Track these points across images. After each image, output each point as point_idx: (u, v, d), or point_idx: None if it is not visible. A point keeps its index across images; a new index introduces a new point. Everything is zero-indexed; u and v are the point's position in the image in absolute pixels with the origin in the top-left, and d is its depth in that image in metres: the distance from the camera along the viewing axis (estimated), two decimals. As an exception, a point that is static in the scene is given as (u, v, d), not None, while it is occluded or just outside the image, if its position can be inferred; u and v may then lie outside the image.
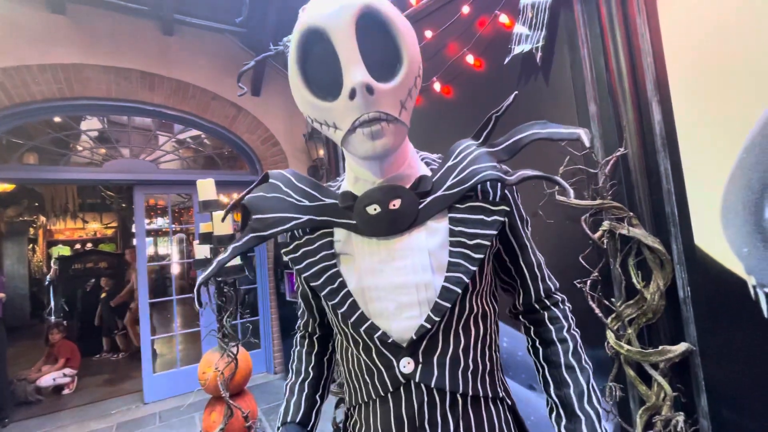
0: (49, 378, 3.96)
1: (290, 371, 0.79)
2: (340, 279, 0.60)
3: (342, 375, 0.70)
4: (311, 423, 0.73)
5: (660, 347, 1.14)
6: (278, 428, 0.71)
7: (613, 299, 1.27)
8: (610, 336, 1.23)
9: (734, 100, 1.02)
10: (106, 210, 8.84)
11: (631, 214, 1.22)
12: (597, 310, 1.24)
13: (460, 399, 0.60)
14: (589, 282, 1.28)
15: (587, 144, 0.58)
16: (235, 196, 4.13)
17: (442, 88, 1.77)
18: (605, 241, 1.26)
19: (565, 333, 0.67)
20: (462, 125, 1.68)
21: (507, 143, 0.64)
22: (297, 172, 0.68)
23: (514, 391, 1.73)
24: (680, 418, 1.12)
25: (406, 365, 0.58)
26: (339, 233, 0.63)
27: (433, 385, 0.58)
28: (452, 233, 0.60)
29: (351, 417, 0.70)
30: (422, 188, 0.61)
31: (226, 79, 3.92)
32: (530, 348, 0.72)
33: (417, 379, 0.58)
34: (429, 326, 0.57)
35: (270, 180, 0.66)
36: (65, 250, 8.19)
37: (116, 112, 3.64)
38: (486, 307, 0.65)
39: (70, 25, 3.27)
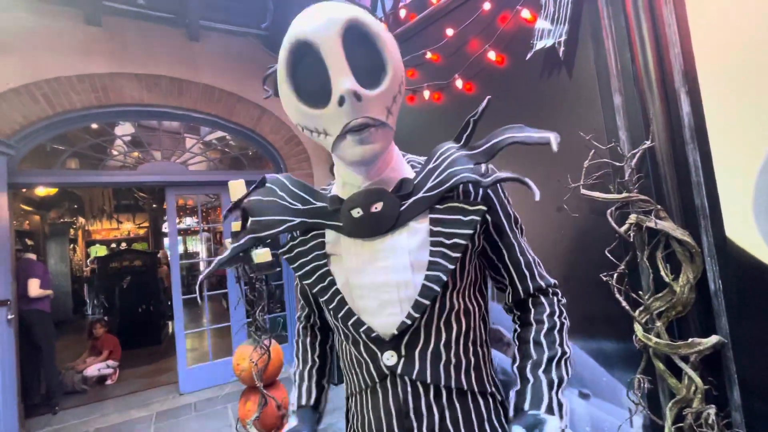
0: (94, 369, 4.22)
1: (297, 360, 0.83)
2: (330, 277, 0.65)
3: (342, 367, 0.75)
4: (322, 406, 0.79)
5: (689, 340, 1.14)
6: (293, 412, 0.76)
7: (641, 292, 1.26)
8: (638, 329, 1.23)
9: (766, 90, 1.00)
10: (139, 211, 9.25)
11: (659, 206, 1.22)
12: (624, 303, 1.24)
13: (444, 391, 0.63)
14: (615, 275, 1.28)
15: (555, 148, 0.59)
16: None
17: (464, 85, 1.79)
18: (632, 234, 1.26)
19: (544, 317, 0.67)
20: (485, 121, 1.69)
21: (485, 146, 0.65)
22: (291, 177, 0.72)
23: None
24: (711, 411, 1.11)
25: (390, 358, 0.62)
26: (329, 234, 0.67)
27: (414, 378, 0.61)
28: (432, 233, 0.62)
29: (350, 409, 0.75)
30: (404, 191, 0.64)
31: (250, 81, 4.04)
32: (512, 334, 0.73)
33: (399, 372, 0.62)
34: (409, 322, 0.61)
35: (267, 184, 0.70)
36: (102, 250, 8.64)
37: (148, 117, 3.81)
38: (469, 305, 0.66)
39: (105, 37, 3.45)
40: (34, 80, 3.15)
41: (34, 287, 3.53)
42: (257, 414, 1.94)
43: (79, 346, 5.06)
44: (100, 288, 6.04)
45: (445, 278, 0.61)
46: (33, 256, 3.79)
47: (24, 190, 5.75)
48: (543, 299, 0.70)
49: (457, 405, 0.64)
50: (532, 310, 0.69)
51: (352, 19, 0.54)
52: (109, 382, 4.31)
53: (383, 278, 0.62)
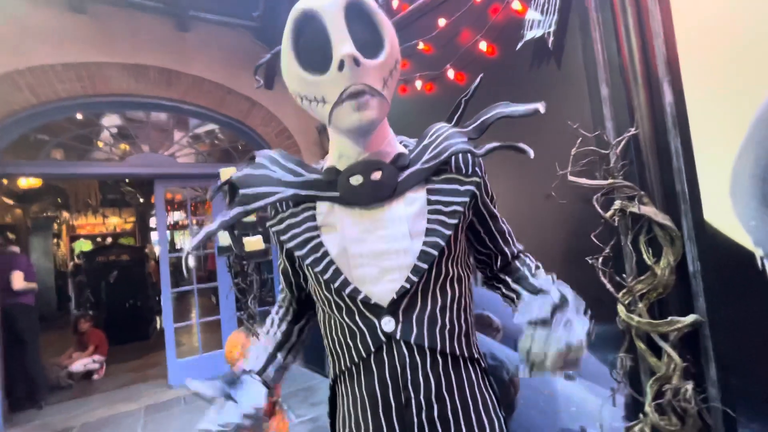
0: (80, 364, 4.16)
1: (261, 335, 0.83)
2: (324, 248, 0.65)
3: (326, 348, 0.73)
4: (269, 376, 0.76)
5: (669, 318, 1.19)
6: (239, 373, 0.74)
7: (624, 275, 1.31)
8: (621, 309, 1.28)
9: (744, 80, 1.05)
10: (125, 205, 9.10)
11: (642, 192, 1.26)
12: (608, 285, 1.29)
13: (440, 359, 0.64)
14: (600, 258, 1.33)
15: (542, 111, 0.65)
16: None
17: (456, 75, 1.82)
18: (617, 219, 1.31)
19: (533, 268, 0.78)
20: (476, 111, 1.73)
21: (475, 124, 0.70)
22: (284, 152, 0.73)
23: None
24: (689, 386, 1.16)
25: (388, 323, 0.63)
26: (322, 206, 0.67)
27: (412, 341, 0.62)
28: (429, 202, 0.65)
29: (336, 394, 0.73)
30: (400, 163, 0.67)
31: (241, 73, 4.00)
32: (502, 291, 0.79)
33: (398, 336, 0.63)
34: (408, 286, 0.63)
35: (257, 159, 0.71)
36: (86, 245, 8.48)
37: (136, 108, 3.76)
38: (461, 272, 0.70)
39: (91, 25, 3.38)
40: (16, 68, 3.08)
41: (18, 280, 3.46)
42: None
43: (63, 342, 4.97)
44: (85, 283, 5.93)
45: (442, 243, 0.63)
46: (17, 249, 3.71)
47: (5, 181, 5.61)
48: (525, 259, 0.79)
49: (452, 372, 0.65)
50: (521, 268, 0.78)
51: None
52: (95, 376, 4.26)
53: (383, 246, 0.64)
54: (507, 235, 0.78)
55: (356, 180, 0.64)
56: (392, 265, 0.64)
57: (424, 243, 0.64)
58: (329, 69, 0.57)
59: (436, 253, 0.63)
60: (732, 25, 1.07)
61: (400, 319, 0.63)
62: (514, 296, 0.76)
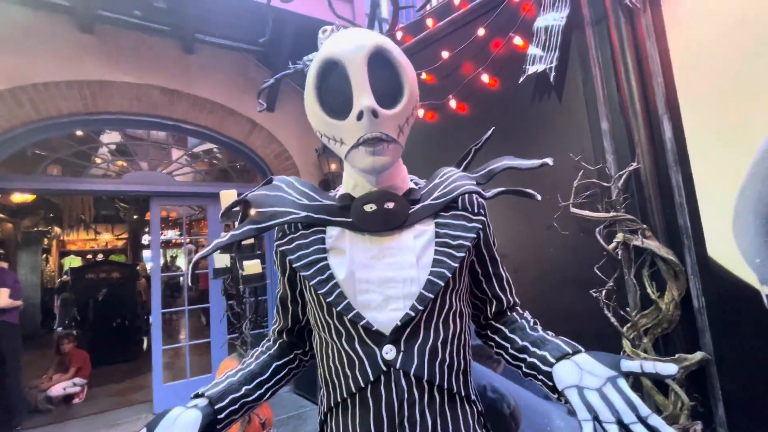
0: (59, 388, 3.99)
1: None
2: (330, 271, 0.65)
3: (320, 378, 0.71)
4: (222, 406, 0.68)
5: (676, 355, 1.17)
6: (191, 397, 0.69)
7: (628, 309, 1.30)
8: (626, 345, 1.26)
9: (743, 116, 1.08)
10: (119, 222, 9.00)
11: (644, 226, 1.27)
12: (612, 319, 1.27)
13: (437, 396, 0.63)
14: (604, 292, 1.32)
15: (551, 163, 0.71)
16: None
17: (458, 106, 1.85)
18: (619, 252, 1.30)
19: (526, 316, 0.76)
20: (476, 141, 1.74)
21: (483, 171, 0.75)
22: (299, 179, 0.74)
23: (528, 402, 1.72)
24: (698, 427, 1.13)
25: (389, 352, 0.62)
26: (332, 230, 0.68)
27: (412, 373, 0.61)
28: (438, 235, 0.67)
29: (326, 429, 0.69)
30: (411, 197, 0.69)
31: (243, 95, 4.06)
32: (503, 350, 0.74)
33: (398, 366, 0.61)
34: (413, 314, 0.62)
35: (274, 182, 0.73)
36: (76, 261, 8.32)
37: (137, 126, 3.77)
38: (463, 308, 0.71)
39: (97, 44, 3.44)
40: (20, 84, 3.10)
41: (3, 297, 3.36)
42: (241, 431, 1.87)
43: (45, 362, 4.78)
44: (73, 300, 5.78)
45: (449, 275, 0.64)
46: (5, 265, 3.62)
47: (-1, 196, 5.55)
48: (523, 313, 0.77)
49: (448, 412, 0.64)
50: (518, 320, 0.75)
51: (378, 45, 0.62)
52: (76, 400, 4.08)
53: (390, 274, 0.64)
54: (505, 282, 0.77)
55: (369, 207, 0.66)
56: (397, 293, 0.64)
57: (431, 273, 0.64)
58: (349, 116, 0.61)
59: (442, 283, 0.64)
60: (731, 66, 1.11)
61: (402, 348, 0.62)
62: (508, 346, 0.73)
